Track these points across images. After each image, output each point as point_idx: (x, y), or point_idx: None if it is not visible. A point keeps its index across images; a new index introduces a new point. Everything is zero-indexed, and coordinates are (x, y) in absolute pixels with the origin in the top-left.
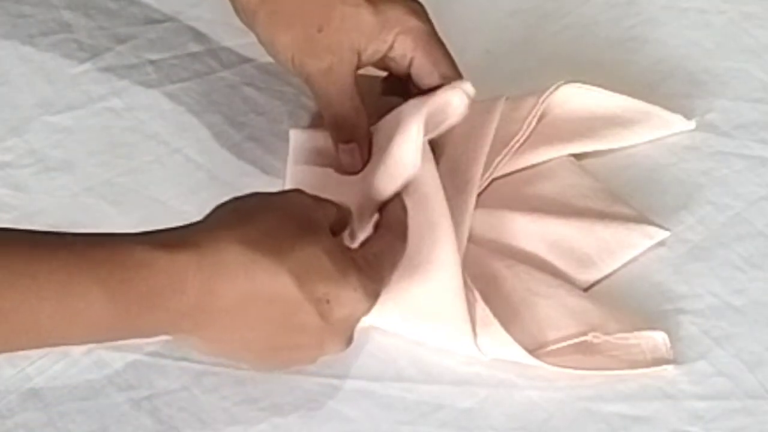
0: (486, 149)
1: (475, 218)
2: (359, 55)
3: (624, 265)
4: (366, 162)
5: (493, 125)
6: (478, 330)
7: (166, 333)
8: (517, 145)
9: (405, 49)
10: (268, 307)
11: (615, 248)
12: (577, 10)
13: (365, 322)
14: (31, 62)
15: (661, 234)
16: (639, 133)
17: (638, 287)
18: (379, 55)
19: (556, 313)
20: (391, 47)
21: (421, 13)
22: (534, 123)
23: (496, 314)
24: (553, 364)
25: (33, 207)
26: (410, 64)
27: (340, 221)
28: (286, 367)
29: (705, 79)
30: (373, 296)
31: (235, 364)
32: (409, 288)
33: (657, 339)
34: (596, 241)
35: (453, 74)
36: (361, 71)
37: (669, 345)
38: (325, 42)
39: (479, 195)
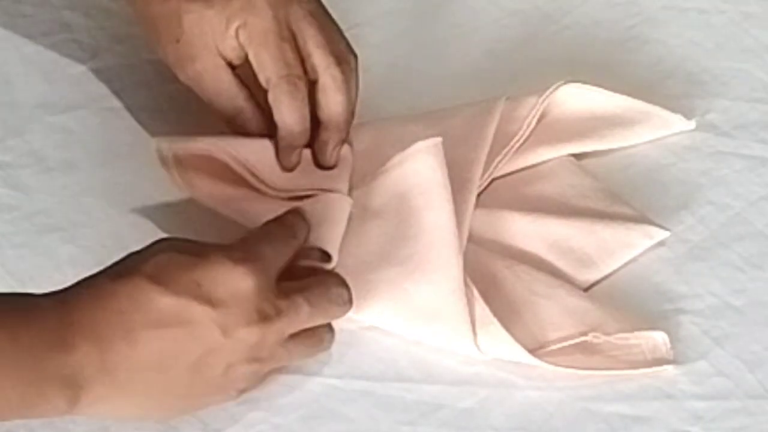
0: (486, 149)
1: (475, 218)
2: (222, 54)
3: (624, 265)
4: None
5: (493, 125)
6: (477, 329)
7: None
8: (517, 145)
9: (243, 43)
10: (145, 318)
11: (615, 248)
12: (577, 10)
13: (365, 322)
14: (31, 62)
15: (661, 234)
16: (639, 133)
17: (638, 287)
18: (238, 51)
19: (556, 313)
20: (239, 43)
21: (262, 7)
22: (534, 123)
23: (496, 314)
24: (553, 364)
25: (33, 207)
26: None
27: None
28: (209, 392)
29: (705, 79)
30: (247, 262)
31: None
32: (409, 288)
33: (657, 339)
34: (596, 241)
35: (279, 75)
36: None
37: (669, 345)
38: (185, 51)
39: (479, 195)
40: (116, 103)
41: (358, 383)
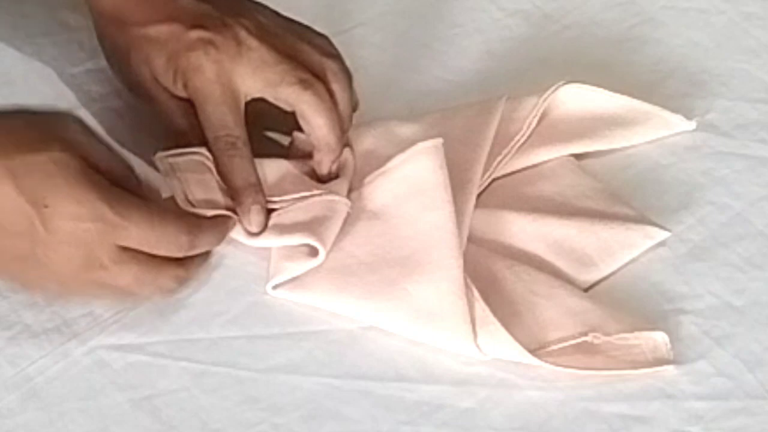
0: (486, 149)
1: (475, 218)
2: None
3: (624, 266)
4: None
5: (494, 125)
6: (478, 329)
7: None
8: (518, 145)
9: (189, 97)
10: None
11: (615, 248)
12: (577, 10)
13: (365, 322)
14: (31, 62)
15: (661, 234)
16: (639, 133)
17: (638, 287)
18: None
19: (557, 313)
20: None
21: (205, 69)
22: (534, 123)
23: (496, 314)
24: (554, 364)
25: None
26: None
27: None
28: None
29: (705, 79)
30: (104, 217)
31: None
32: (410, 288)
33: (657, 339)
34: (597, 242)
35: (215, 135)
36: None
37: (669, 345)
38: (132, 78)
39: (479, 195)
40: (116, 103)
41: (358, 383)
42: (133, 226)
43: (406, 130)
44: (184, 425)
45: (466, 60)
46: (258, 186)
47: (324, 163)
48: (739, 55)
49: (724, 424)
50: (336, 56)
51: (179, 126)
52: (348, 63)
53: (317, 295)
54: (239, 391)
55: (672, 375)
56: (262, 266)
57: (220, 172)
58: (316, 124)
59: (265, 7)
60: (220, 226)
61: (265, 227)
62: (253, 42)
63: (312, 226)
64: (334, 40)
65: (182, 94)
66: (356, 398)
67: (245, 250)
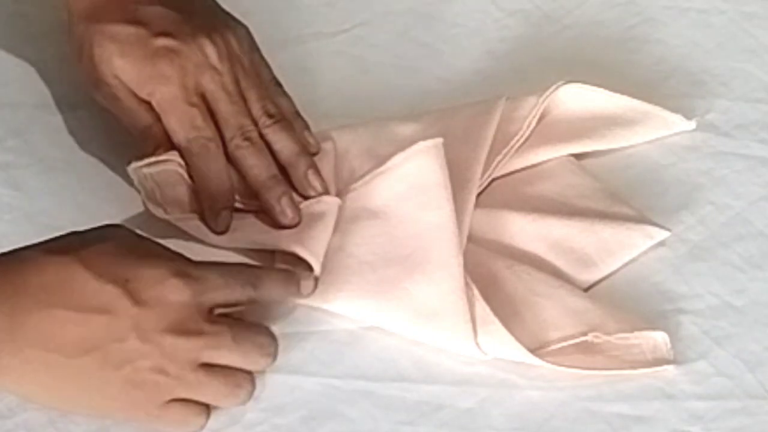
0: (486, 149)
1: (475, 218)
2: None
3: (624, 265)
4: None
5: (494, 125)
6: (478, 329)
7: None
8: (518, 144)
9: (155, 107)
10: (65, 299)
11: (615, 248)
12: (577, 10)
13: (365, 322)
14: (31, 62)
15: (661, 234)
16: (639, 133)
17: (638, 287)
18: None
19: (557, 313)
20: (151, 104)
21: (170, 76)
22: (534, 123)
23: (496, 314)
24: (554, 364)
25: (33, 207)
26: None
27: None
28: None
29: (705, 79)
30: (186, 278)
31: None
32: (410, 288)
33: (657, 339)
34: (596, 241)
35: (186, 139)
36: None
37: (669, 345)
38: (95, 76)
39: (479, 195)
40: None
41: (358, 383)
42: (210, 275)
43: (406, 129)
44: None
45: (466, 60)
46: (232, 188)
47: (271, 201)
48: (739, 55)
49: (724, 424)
50: (280, 117)
51: (143, 121)
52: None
53: (318, 295)
54: None
55: (672, 375)
56: None
57: (193, 174)
58: (248, 165)
59: (243, 27)
60: (281, 274)
61: (223, 233)
62: (217, 63)
63: (302, 237)
64: (334, 40)
65: (146, 98)
66: (356, 398)
67: (245, 250)
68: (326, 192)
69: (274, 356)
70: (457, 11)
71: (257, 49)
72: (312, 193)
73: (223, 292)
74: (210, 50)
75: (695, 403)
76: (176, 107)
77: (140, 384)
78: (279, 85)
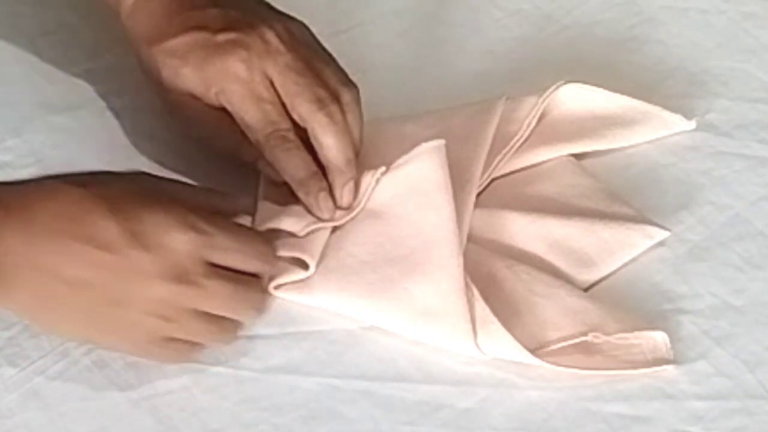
0: (486, 149)
1: (474, 218)
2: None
3: (624, 265)
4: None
5: (494, 125)
6: (478, 329)
7: None
8: (517, 144)
9: (225, 106)
10: (79, 231)
11: (615, 248)
12: (577, 10)
13: (365, 322)
14: (31, 62)
15: (661, 234)
16: (639, 133)
17: (638, 287)
18: (222, 106)
19: (557, 313)
20: (221, 104)
21: (237, 71)
22: (534, 123)
23: (496, 314)
24: (554, 364)
25: None
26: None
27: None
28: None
29: (705, 79)
30: (195, 232)
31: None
32: (410, 288)
33: (657, 339)
34: (596, 241)
35: (265, 134)
36: None
37: (669, 345)
38: (168, 98)
39: (479, 195)
40: (116, 103)
41: (358, 383)
42: (221, 235)
43: (406, 129)
44: (184, 425)
45: (466, 60)
46: (320, 173)
47: (336, 186)
48: (739, 55)
49: (724, 424)
50: (353, 85)
51: (231, 140)
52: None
53: (318, 295)
54: (239, 391)
55: (672, 375)
56: None
57: (278, 166)
58: (326, 145)
59: (299, 22)
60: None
61: (334, 212)
62: (280, 46)
63: (300, 241)
64: (334, 40)
65: (217, 102)
66: (356, 398)
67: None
68: (351, 208)
69: (263, 310)
70: (457, 11)
71: (318, 41)
72: (342, 204)
73: (229, 256)
74: (271, 36)
75: (695, 403)
76: (248, 105)
77: (138, 324)
78: (337, 72)
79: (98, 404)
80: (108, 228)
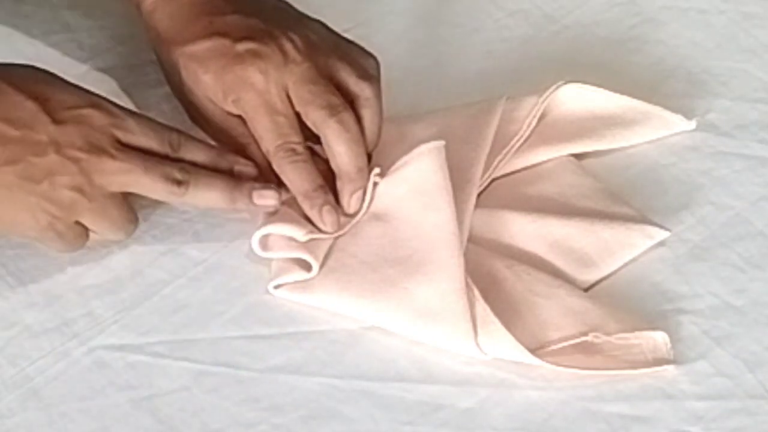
0: (486, 149)
1: (475, 218)
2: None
3: (624, 265)
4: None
5: (494, 125)
6: (478, 329)
7: None
8: (518, 144)
9: (241, 114)
10: None
11: (615, 248)
12: (577, 10)
13: (365, 322)
14: (31, 62)
15: (661, 234)
16: (639, 133)
17: (638, 287)
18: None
19: (557, 313)
20: (237, 111)
21: (255, 81)
22: (534, 123)
23: (496, 314)
24: (554, 364)
25: None
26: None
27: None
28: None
29: (705, 79)
30: (99, 106)
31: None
32: (410, 288)
33: (657, 339)
34: (596, 241)
35: (275, 145)
36: None
37: (669, 345)
38: (187, 99)
39: (479, 195)
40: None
41: (358, 383)
42: (130, 118)
43: (406, 129)
44: (184, 425)
45: (466, 60)
46: (325, 187)
47: (344, 193)
48: (739, 55)
49: (724, 424)
50: (373, 79)
51: (243, 144)
52: None
53: (318, 295)
54: (239, 391)
55: (672, 375)
56: (261, 266)
57: (284, 178)
58: (337, 152)
59: (317, 22)
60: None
61: (338, 226)
62: (297, 56)
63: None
64: None
65: (233, 110)
66: (356, 398)
67: (245, 251)
68: (355, 214)
69: (186, 189)
70: (457, 11)
71: (339, 36)
72: (350, 212)
73: (139, 138)
74: (289, 47)
75: (695, 403)
76: (262, 115)
77: (56, 199)
78: (358, 67)
79: (98, 404)
80: (17, 103)
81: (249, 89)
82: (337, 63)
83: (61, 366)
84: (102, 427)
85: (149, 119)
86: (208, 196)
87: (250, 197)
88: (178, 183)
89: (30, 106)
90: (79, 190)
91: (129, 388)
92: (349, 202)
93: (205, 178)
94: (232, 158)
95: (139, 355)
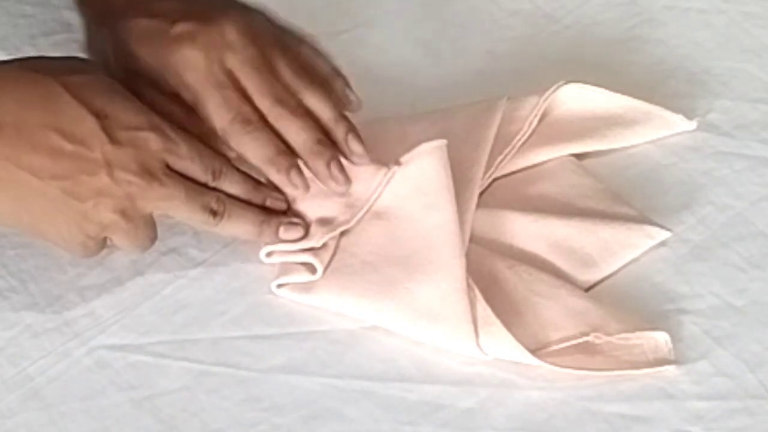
0: (487, 149)
1: (476, 218)
2: None
3: (625, 266)
4: None
5: (495, 125)
6: (479, 329)
7: None
8: (519, 144)
9: (189, 96)
10: (43, 117)
11: (616, 248)
12: (578, 10)
13: (366, 322)
14: None
15: (662, 234)
16: (640, 133)
17: (639, 287)
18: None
19: (558, 313)
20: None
21: (195, 60)
22: (535, 123)
23: (497, 314)
24: (555, 365)
25: None
26: None
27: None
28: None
29: (706, 79)
30: (157, 129)
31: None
32: (411, 288)
33: (658, 339)
34: (597, 242)
35: (227, 120)
36: None
37: (670, 345)
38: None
39: (480, 195)
40: None
41: (358, 383)
42: (184, 144)
43: (407, 129)
44: (185, 425)
45: (466, 60)
46: (288, 150)
47: (319, 171)
48: (740, 55)
49: (725, 424)
50: (317, 85)
51: (175, 111)
52: (339, 63)
53: (319, 295)
54: (240, 391)
55: (673, 375)
56: (262, 266)
57: (245, 153)
58: (290, 135)
59: (260, 14)
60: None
61: (308, 187)
62: (239, 41)
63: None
64: (335, 40)
65: (175, 90)
66: (357, 398)
67: (245, 251)
68: (366, 157)
69: (220, 220)
70: (457, 11)
71: (279, 25)
72: (354, 159)
73: (188, 165)
74: (229, 29)
75: (696, 403)
76: (207, 92)
77: (96, 220)
78: (313, 46)
79: (99, 404)
80: (77, 117)
81: (191, 69)
82: (278, 54)
83: (61, 366)
84: (102, 427)
85: (199, 144)
86: (238, 228)
87: (276, 232)
88: (214, 214)
89: (89, 121)
90: (121, 212)
91: (129, 388)
92: (329, 172)
93: (238, 210)
94: (266, 192)
95: (139, 355)
